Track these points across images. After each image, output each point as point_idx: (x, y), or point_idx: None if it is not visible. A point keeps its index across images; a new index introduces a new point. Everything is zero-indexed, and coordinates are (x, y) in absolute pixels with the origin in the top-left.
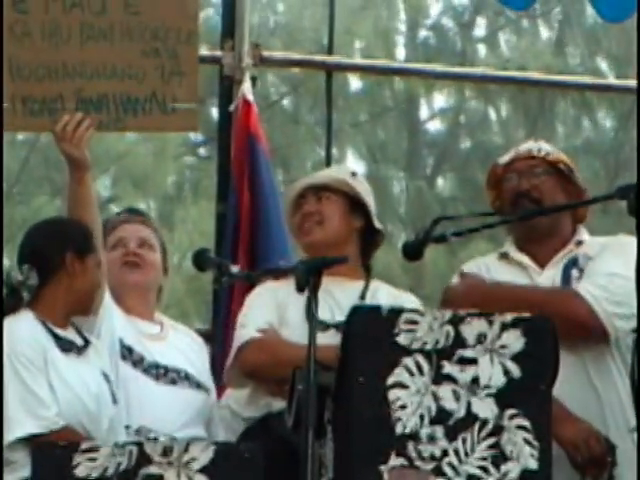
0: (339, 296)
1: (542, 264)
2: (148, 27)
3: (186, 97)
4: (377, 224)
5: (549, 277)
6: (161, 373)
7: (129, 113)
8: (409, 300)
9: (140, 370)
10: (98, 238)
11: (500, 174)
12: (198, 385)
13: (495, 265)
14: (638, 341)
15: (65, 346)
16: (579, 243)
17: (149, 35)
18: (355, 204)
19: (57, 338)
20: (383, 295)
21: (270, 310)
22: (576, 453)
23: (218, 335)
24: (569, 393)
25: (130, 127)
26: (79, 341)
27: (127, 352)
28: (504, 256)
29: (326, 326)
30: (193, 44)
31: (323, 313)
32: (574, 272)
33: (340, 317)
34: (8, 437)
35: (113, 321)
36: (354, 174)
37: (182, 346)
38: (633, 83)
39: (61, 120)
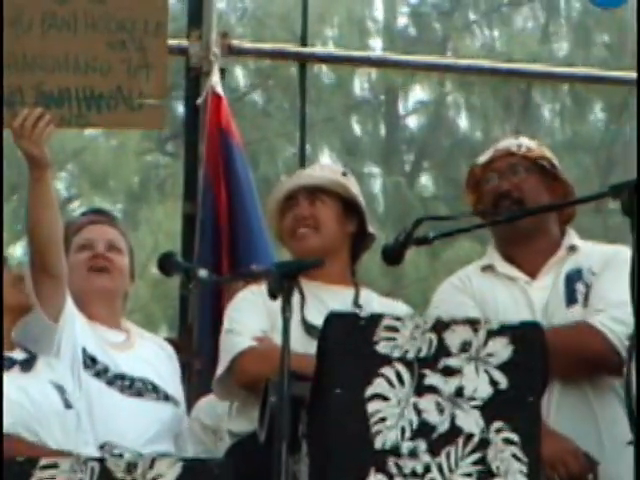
0: (331, 304)
1: (532, 273)
2: (114, 17)
3: (153, 92)
4: (370, 228)
5: (543, 287)
6: (126, 385)
7: (92, 109)
8: (401, 309)
9: (104, 381)
10: (59, 241)
11: (479, 175)
12: (166, 397)
13: (479, 278)
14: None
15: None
16: (572, 249)
17: (115, 26)
18: (348, 207)
19: None
20: (374, 303)
21: (263, 316)
22: (552, 471)
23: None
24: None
25: (93, 124)
26: (21, 357)
27: (90, 361)
28: (489, 268)
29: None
30: (162, 36)
31: (316, 319)
32: (579, 286)
33: None
34: None
35: (75, 328)
36: (345, 174)
37: (149, 356)
38: (626, 75)
39: (20, 115)
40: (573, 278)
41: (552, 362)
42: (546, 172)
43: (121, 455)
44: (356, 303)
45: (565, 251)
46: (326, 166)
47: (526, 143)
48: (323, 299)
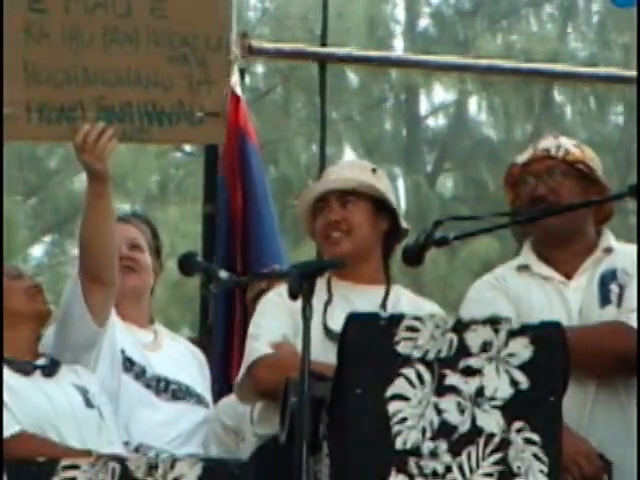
0: (359, 304)
1: (568, 274)
2: (176, 32)
3: (214, 107)
4: (404, 224)
5: (578, 288)
6: (162, 387)
7: (154, 123)
8: (432, 309)
9: (142, 384)
10: (115, 252)
11: (517, 174)
12: (199, 400)
13: (514, 278)
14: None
15: (25, 369)
16: (608, 250)
17: (177, 41)
18: (380, 205)
19: (11, 364)
20: (405, 303)
21: (284, 320)
22: (565, 473)
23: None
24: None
25: (155, 138)
26: (43, 363)
27: (129, 364)
28: (524, 268)
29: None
30: (223, 51)
31: (340, 321)
32: (613, 287)
33: None
34: None
35: (115, 331)
36: (374, 170)
37: (178, 356)
38: None
39: (81, 130)
40: (607, 279)
41: (587, 362)
42: (584, 175)
43: (157, 456)
44: (384, 304)
45: (601, 252)
46: (356, 164)
47: (565, 145)
48: (351, 300)
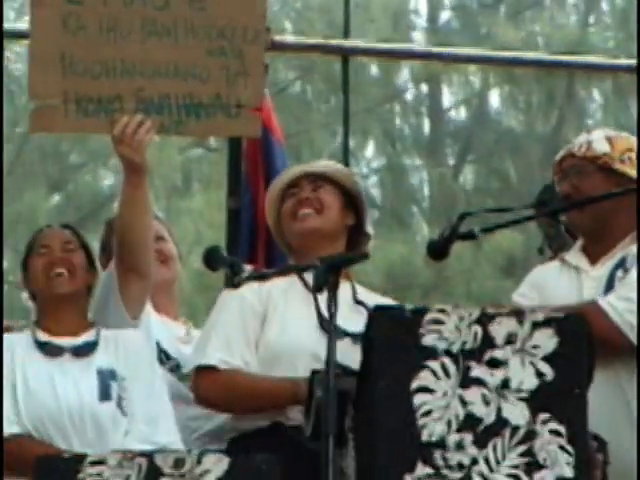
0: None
1: (594, 262)
2: (214, 25)
3: (251, 100)
4: (369, 227)
5: (597, 277)
6: None
7: (191, 116)
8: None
9: (177, 377)
10: (151, 243)
11: (555, 172)
12: None
13: (555, 273)
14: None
15: (50, 351)
16: (634, 238)
17: (215, 33)
18: (350, 200)
19: (39, 344)
20: (366, 298)
21: (248, 338)
22: None
23: None
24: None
25: (192, 131)
26: (75, 343)
27: (164, 357)
28: (563, 260)
29: (343, 334)
30: (260, 44)
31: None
32: (619, 273)
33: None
34: None
35: (150, 323)
36: (354, 175)
37: None
38: None
39: (120, 122)
40: (618, 266)
41: None
42: (608, 170)
43: (189, 451)
44: (355, 297)
45: (630, 240)
46: (332, 161)
47: (590, 140)
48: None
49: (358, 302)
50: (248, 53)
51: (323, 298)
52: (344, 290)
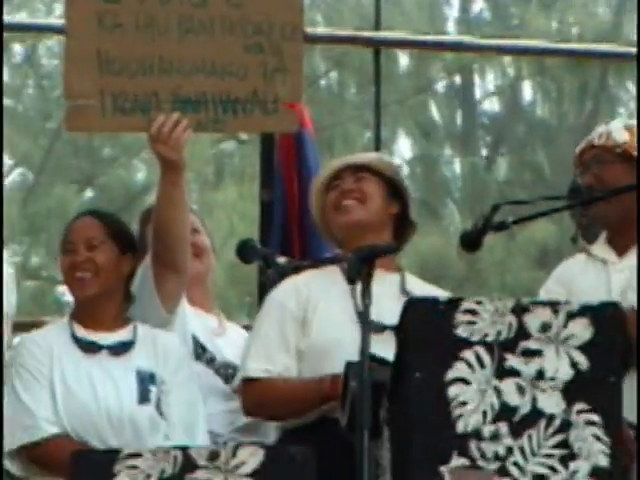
0: (377, 289)
1: (622, 254)
2: (251, 21)
3: (289, 96)
4: (413, 216)
5: (624, 268)
6: (230, 374)
7: (229, 113)
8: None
9: (212, 370)
10: (188, 239)
11: (576, 165)
12: None
13: (581, 266)
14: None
15: (87, 348)
16: None
17: (252, 30)
18: (393, 189)
19: (77, 340)
20: (417, 290)
21: (288, 344)
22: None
23: None
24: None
25: (229, 128)
26: (113, 341)
27: (201, 350)
28: (589, 253)
29: (382, 328)
30: (298, 40)
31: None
32: None
33: (377, 314)
34: (4, 449)
35: (186, 318)
36: (398, 167)
37: (239, 341)
38: None
39: (157, 121)
40: None
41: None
42: (629, 157)
43: (225, 443)
44: (403, 290)
45: None
46: (374, 152)
47: (610, 130)
48: (374, 286)
49: (406, 293)
50: (286, 49)
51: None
52: (391, 281)
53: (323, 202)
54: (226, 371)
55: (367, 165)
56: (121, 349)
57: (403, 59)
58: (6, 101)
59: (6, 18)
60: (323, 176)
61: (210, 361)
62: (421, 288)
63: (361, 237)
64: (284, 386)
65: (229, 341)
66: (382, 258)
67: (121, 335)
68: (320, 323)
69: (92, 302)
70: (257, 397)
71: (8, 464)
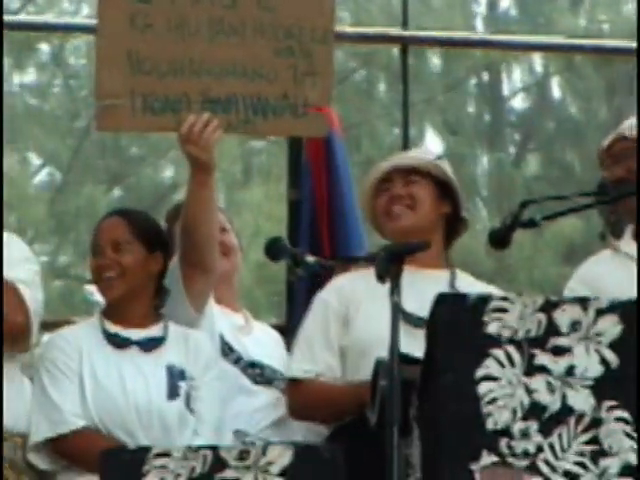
0: (426, 288)
1: None
2: (281, 24)
3: (318, 100)
4: (464, 213)
5: None
6: (257, 373)
7: (259, 115)
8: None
9: (239, 369)
10: (217, 239)
11: (602, 159)
12: None
13: (607, 262)
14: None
15: (118, 343)
16: None
17: (282, 33)
18: (443, 189)
19: (108, 336)
20: (467, 287)
21: (330, 342)
22: None
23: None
24: None
25: (259, 130)
26: (144, 336)
27: (228, 349)
28: (616, 248)
29: (420, 321)
30: (328, 43)
31: (409, 305)
32: None
33: (422, 310)
34: (29, 443)
35: (213, 317)
36: (440, 157)
37: (266, 339)
38: None
39: (187, 121)
40: None
41: None
42: None
43: (253, 443)
44: (452, 287)
45: None
46: (421, 150)
47: (636, 123)
48: (418, 284)
49: (455, 290)
50: (317, 53)
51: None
52: (440, 279)
53: (373, 206)
54: (253, 370)
55: (416, 168)
56: (151, 345)
57: (431, 57)
58: (33, 101)
59: (33, 18)
60: (372, 179)
61: (237, 360)
62: (471, 285)
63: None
64: (325, 389)
65: (255, 340)
66: (431, 256)
67: (152, 331)
68: (362, 320)
69: (120, 302)
70: (301, 398)
71: (33, 457)
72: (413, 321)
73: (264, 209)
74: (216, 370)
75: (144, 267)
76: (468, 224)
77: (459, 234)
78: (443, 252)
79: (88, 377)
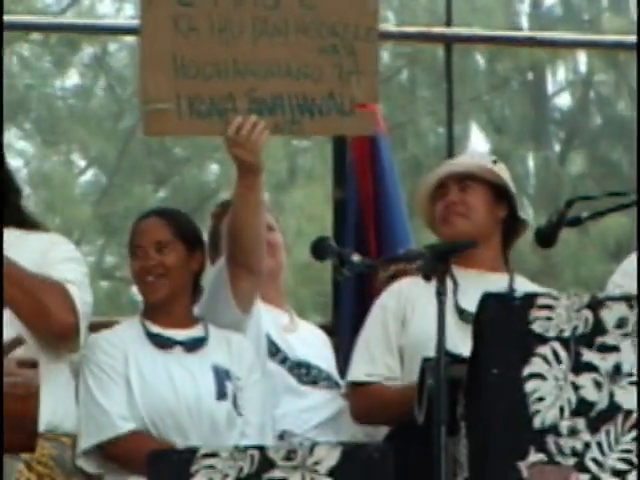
0: (486, 288)
1: None
2: (325, 23)
3: (364, 98)
4: (521, 214)
5: None
6: (303, 372)
7: (305, 115)
8: None
9: (286, 369)
10: (264, 241)
11: None
12: (336, 384)
13: None
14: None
15: (162, 344)
16: None
17: (326, 31)
18: (499, 193)
19: (151, 336)
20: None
21: (390, 344)
22: None
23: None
24: None
25: (306, 130)
26: (186, 337)
27: (274, 349)
28: None
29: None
30: (372, 41)
31: (469, 304)
32: None
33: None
34: (78, 449)
35: (261, 319)
36: (495, 161)
37: (311, 338)
38: None
39: (234, 123)
40: None
41: None
42: None
43: (301, 444)
44: (510, 289)
45: None
46: (476, 153)
47: None
48: (479, 284)
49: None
50: (361, 51)
51: (465, 287)
52: (497, 281)
53: (430, 212)
54: (299, 370)
55: (471, 174)
56: (195, 345)
57: (476, 56)
58: (76, 102)
59: (76, 20)
60: (428, 185)
61: (283, 360)
62: (529, 288)
63: (470, 250)
64: (388, 392)
65: (301, 339)
66: (489, 258)
67: (194, 331)
68: (419, 320)
69: (163, 303)
70: (365, 402)
71: (83, 463)
72: (470, 319)
73: (307, 209)
74: (259, 372)
75: (186, 267)
76: (527, 225)
77: (518, 235)
78: (501, 255)
79: (135, 379)
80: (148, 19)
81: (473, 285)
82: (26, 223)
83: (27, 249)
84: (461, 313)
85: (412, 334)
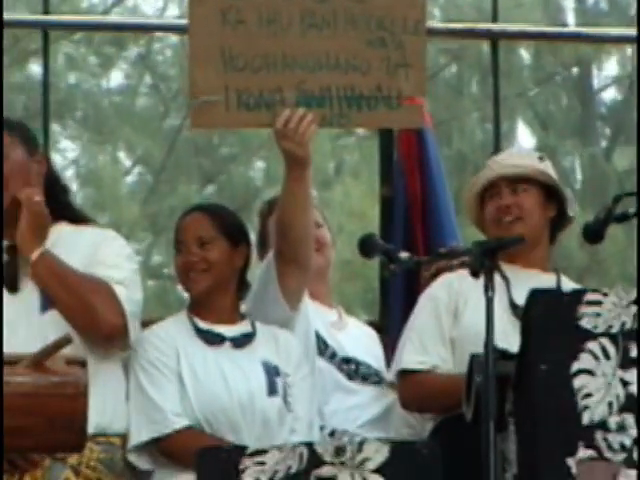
0: (537, 285)
1: None
2: (373, 15)
3: (412, 91)
4: (571, 212)
5: None
6: (352, 369)
7: (353, 108)
8: None
9: (335, 366)
10: (312, 235)
11: None
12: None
13: None
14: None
15: (211, 340)
16: None
17: (374, 24)
18: (549, 192)
19: (200, 332)
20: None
21: (443, 334)
22: None
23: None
24: None
25: (354, 123)
26: (235, 333)
27: (323, 346)
28: None
29: None
30: (420, 35)
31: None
32: None
33: None
34: (129, 444)
35: (309, 316)
36: (541, 158)
37: (360, 335)
38: None
39: (282, 116)
40: None
41: None
42: None
43: (349, 441)
44: (558, 288)
45: None
46: (523, 151)
47: None
48: (529, 281)
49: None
50: (409, 44)
51: (517, 284)
52: (546, 281)
53: (480, 213)
54: (348, 366)
55: (524, 176)
56: (244, 341)
57: (522, 51)
58: (122, 100)
59: (121, 19)
60: (478, 185)
61: (332, 357)
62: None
63: (522, 249)
64: (439, 380)
65: (350, 336)
66: (539, 257)
67: (242, 327)
68: (471, 312)
69: (206, 296)
70: (413, 390)
71: (135, 459)
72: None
73: (347, 206)
74: (307, 369)
75: (229, 262)
76: (573, 220)
77: (563, 230)
78: (549, 254)
79: (188, 375)
80: (197, 12)
81: (525, 282)
82: (78, 219)
83: (83, 243)
84: (515, 308)
85: (464, 327)
